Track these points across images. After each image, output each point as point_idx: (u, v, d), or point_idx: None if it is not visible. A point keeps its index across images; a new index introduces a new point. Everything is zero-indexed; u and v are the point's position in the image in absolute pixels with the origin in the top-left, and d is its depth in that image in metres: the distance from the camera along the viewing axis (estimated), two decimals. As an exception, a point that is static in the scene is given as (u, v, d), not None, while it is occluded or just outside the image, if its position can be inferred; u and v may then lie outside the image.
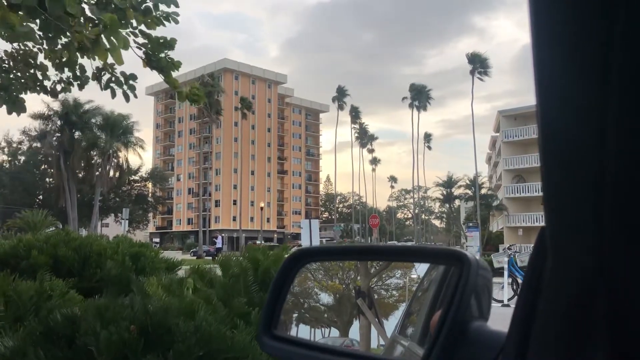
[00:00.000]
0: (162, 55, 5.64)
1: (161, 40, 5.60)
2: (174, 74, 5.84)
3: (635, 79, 0.42)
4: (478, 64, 60.33)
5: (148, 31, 5.51)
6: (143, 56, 5.64)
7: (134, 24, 5.36)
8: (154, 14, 5.33)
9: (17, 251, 5.79)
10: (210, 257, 35.08)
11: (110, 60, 4.96)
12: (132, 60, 5.74)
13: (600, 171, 0.45)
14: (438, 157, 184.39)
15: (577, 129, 0.47)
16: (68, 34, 4.94)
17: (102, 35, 4.64)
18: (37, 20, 4.73)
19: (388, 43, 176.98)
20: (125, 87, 5.80)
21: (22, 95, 6.10)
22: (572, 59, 0.46)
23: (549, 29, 0.47)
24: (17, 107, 5.99)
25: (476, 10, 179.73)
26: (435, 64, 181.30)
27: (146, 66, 5.67)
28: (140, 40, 5.57)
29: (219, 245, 41.61)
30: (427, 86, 79.52)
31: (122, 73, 5.79)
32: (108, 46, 4.61)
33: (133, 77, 5.80)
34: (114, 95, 5.82)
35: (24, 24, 4.57)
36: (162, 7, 5.38)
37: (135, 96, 5.89)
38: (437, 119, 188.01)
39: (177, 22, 5.52)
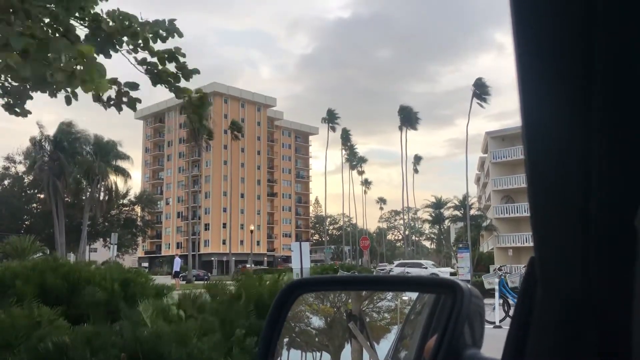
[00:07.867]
0: (169, 66, 5.53)
1: (166, 55, 5.51)
2: (184, 83, 5.69)
3: (618, 107, 0.44)
4: (479, 89, 60.76)
5: (149, 46, 5.41)
6: (143, 71, 5.54)
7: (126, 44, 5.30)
8: (147, 35, 5.28)
9: (4, 279, 5.71)
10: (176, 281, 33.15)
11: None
12: (133, 76, 5.72)
13: (585, 204, 0.46)
14: (433, 178, 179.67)
15: (562, 160, 0.48)
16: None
17: (81, 67, 4.48)
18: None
19: (403, 59, 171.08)
20: (125, 100, 5.68)
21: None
22: (556, 88, 0.47)
23: (533, 59, 0.48)
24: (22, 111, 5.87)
25: (497, 24, 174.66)
26: (449, 81, 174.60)
27: (155, 85, 5.57)
28: (141, 56, 5.48)
29: (176, 268, 37.44)
30: (429, 105, 78.70)
31: (127, 83, 5.60)
32: (86, 77, 4.45)
33: (134, 85, 5.58)
34: (120, 109, 5.67)
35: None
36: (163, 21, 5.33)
37: (135, 109, 5.81)
38: (444, 138, 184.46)
39: (181, 35, 5.46)
